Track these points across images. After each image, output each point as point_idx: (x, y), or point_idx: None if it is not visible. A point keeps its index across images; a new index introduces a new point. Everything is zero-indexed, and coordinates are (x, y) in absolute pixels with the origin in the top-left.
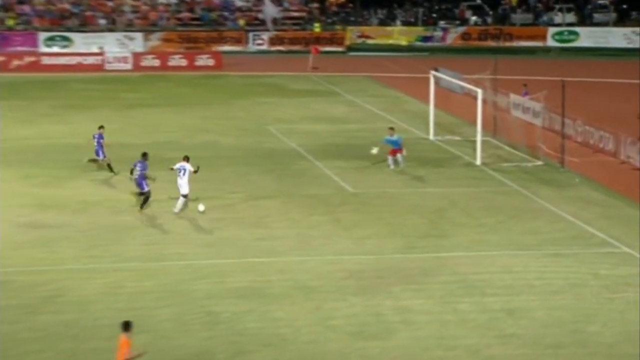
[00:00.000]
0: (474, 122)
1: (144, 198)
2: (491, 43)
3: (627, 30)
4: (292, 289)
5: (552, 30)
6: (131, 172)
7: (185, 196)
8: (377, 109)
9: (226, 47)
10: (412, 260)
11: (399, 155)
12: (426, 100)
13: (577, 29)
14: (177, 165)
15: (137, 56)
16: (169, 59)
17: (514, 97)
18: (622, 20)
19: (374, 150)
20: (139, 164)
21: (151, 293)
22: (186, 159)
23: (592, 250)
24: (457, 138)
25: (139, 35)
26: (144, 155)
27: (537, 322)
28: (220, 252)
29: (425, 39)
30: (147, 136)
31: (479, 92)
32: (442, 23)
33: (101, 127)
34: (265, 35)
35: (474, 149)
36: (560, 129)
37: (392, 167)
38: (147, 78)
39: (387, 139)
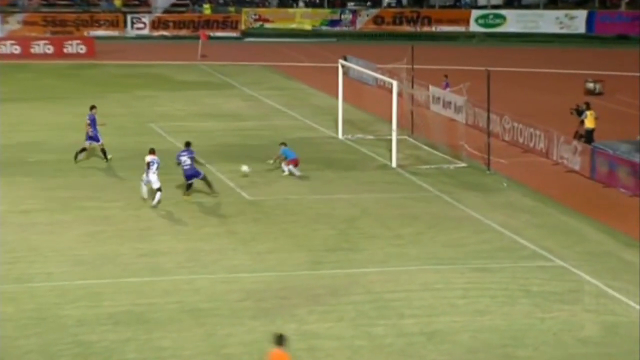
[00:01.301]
0: (388, 119)
1: (207, 182)
2: (407, 28)
3: (560, 13)
4: (179, 312)
5: (475, 13)
6: (178, 164)
7: (159, 189)
8: (278, 104)
9: (100, 32)
10: (319, 278)
11: (292, 167)
12: (334, 93)
13: (503, 11)
14: (148, 159)
15: None
16: (32, 45)
17: (433, 90)
18: (554, 2)
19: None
20: (185, 153)
21: (13, 320)
22: (152, 151)
23: (522, 263)
24: (370, 137)
25: None
26: (189, 144)
27: (462, 347)
28: (95, 271)
29: (332, 23)
30: (6, 136)
31: (394, 84)
32: (351, 5)
33: (93, 107)
34: (147, 18)
35: (389, 150)
36: (486, 126)
37: (285, 172)
38: (6, 68)
39: (284, 150)
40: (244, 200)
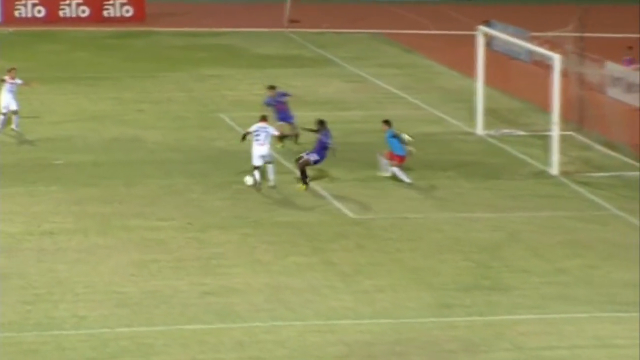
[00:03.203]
0: (547, 108)
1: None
2: None
3: None
4: None
5: None
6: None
7: (269, 162)
8: (394, 87)
9: None
10: (449, 327)
11: (396, 168)
12: (471, 72)
13: None
14: (254, 127)
15: (7, 2)
16: (61, 5)
17: (612, 68)
18: None
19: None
20: (325, 133)
21: None
22: (264, 119)
23: None
24: (521, 133)
25: None
26: (323, 122)
27: None
28: (144, 315)
29: None
30: (26, 129)
31: (556, 60)
32: None
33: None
34: None
35: (548, 151)
36: None
37: (387, 173)
38: (26, 37)
39: (391, 136)
40: (345, 218)
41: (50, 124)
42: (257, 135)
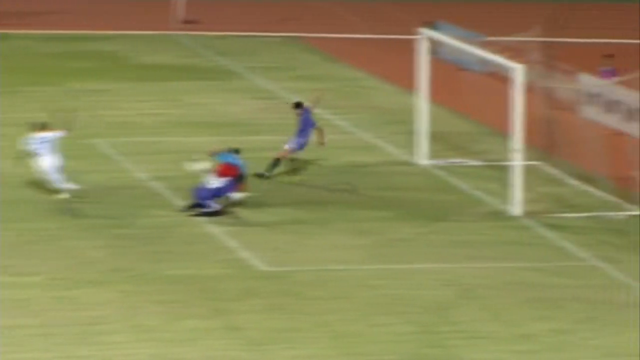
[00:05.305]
0: (507, 132)
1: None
2: None
3: None
4: None
5: None
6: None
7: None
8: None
9: None
10: None
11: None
12: (411, 86)
13: None
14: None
15: None
16: None
17: (586, 81)
18: None
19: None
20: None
21: None
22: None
23: None
24: (474, 163)
25: None
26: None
27: None
28: None
29: None
30: None
31: (518, 71)
32: None
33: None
34: None
35: (508, 185)
36: None
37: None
38: None
39: (223, 156)
40: (255, 271)
41: None
42: None
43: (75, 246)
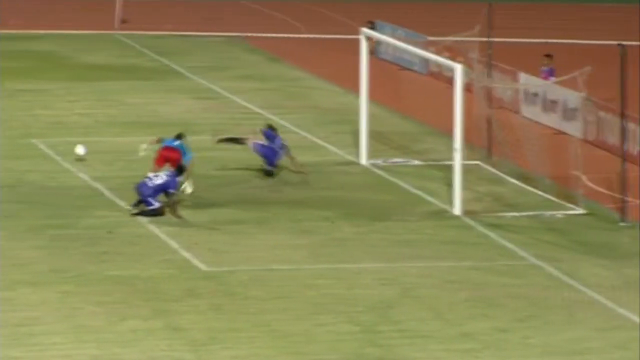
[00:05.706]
0: (448, 131)
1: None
2: None
3: None
4: None
5: None
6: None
7: None
8: (256, 105)
9: None
10: None
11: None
12: (353, 86)
13: None
14: None
15: None
16: None
17: (526, 80)
18: None
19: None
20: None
21: None
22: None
23: None
24: (415, 162)
25: None
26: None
27: None
28: None
29: None
30: None
31: (458, 70)
32: None
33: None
34: None
35: (449, 185)
36: (619, 143)
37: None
38: None
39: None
40: (196, 271)
41: None
42: None
43: (12, 247)
